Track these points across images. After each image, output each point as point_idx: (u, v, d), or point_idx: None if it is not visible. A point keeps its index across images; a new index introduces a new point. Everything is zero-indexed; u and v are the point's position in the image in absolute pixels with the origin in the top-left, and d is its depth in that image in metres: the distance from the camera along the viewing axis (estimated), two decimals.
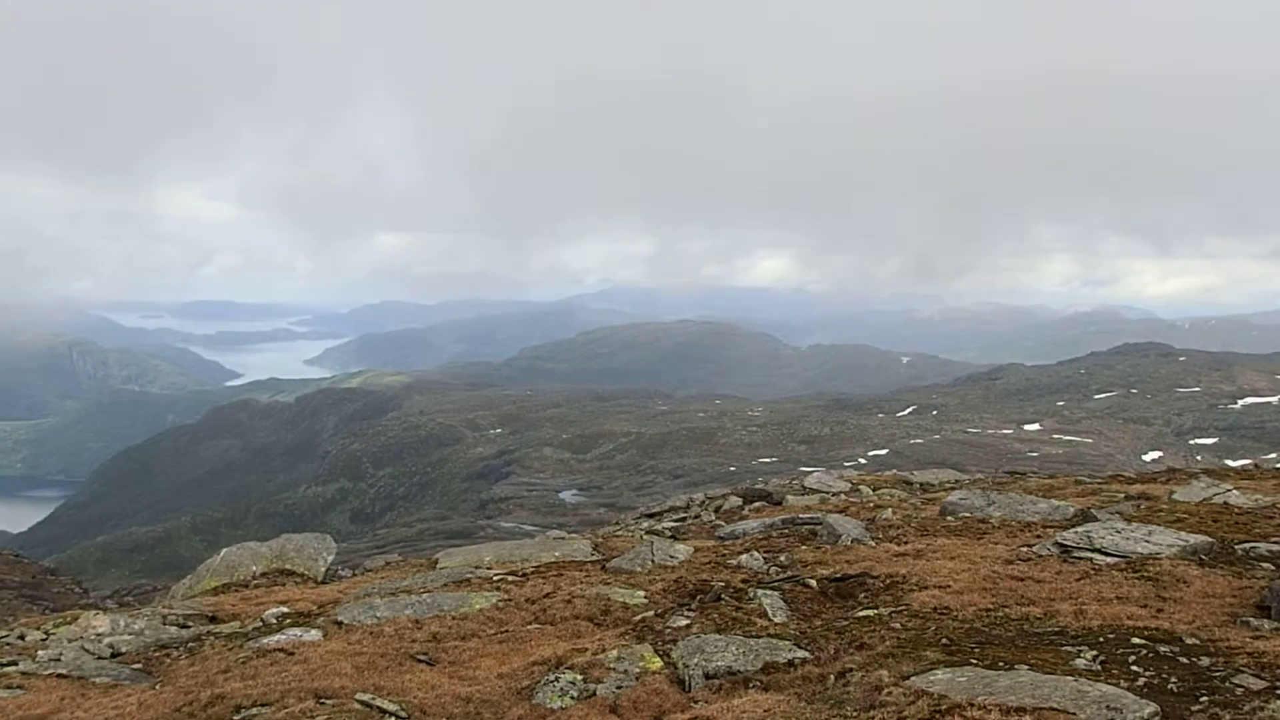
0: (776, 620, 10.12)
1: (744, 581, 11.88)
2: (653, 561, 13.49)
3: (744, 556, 13.14)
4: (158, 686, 10.44)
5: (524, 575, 13.66)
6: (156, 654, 12.14)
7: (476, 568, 15.25)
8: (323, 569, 19.15)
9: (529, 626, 11.09)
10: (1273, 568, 11.00)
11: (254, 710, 8.83)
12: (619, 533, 21.01)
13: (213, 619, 13.81)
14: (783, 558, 13.00)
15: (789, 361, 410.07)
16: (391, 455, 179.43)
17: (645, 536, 17.35)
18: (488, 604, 12.03)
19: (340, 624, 11.93)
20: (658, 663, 9.13)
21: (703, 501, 26.06)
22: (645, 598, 11.80)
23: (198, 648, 12.05)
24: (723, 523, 19.69)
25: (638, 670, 8.96)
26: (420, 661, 10.07)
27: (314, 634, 11.57)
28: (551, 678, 8.95)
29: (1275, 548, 12.17)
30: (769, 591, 11.03)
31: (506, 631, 10.95)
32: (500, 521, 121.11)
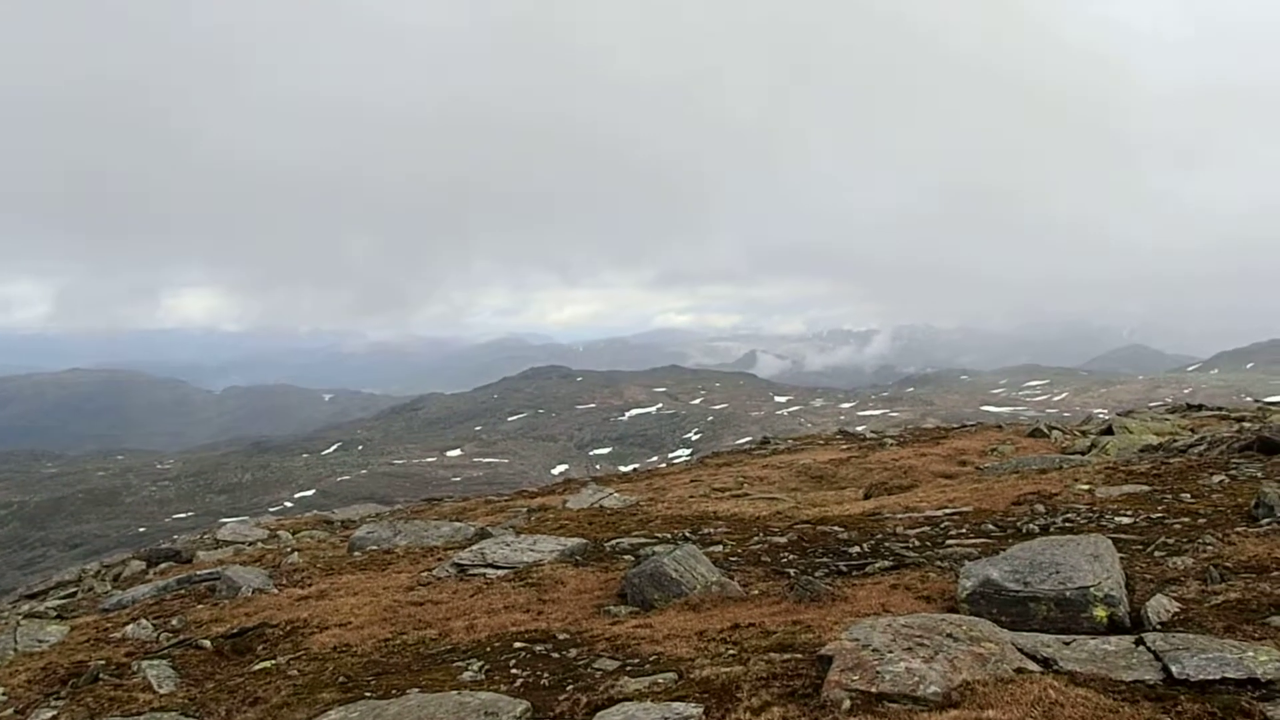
0: (163, 691, 9.28)
1: (129, 655, 10.75)
2: (15, 650, 11.65)
3: (130, 627, 11.90)
4: None
5: None
6: None
7: None
8: None
9: None
10: (632, 558, 12.62)
11: None
12: None
13: None
14: (175, 621, 12.01)
15: (202, 406, 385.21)
16: None
17: (22, 621, 14.99)
18: None
19: None
20: None
21: (98, 571, 23.25)
22: (4, 694, 10.15)
23: None
24: (119, 592, 17.76)
25: None
26: None
27: None
28: None
29: (636, 541, 14.01)
30: (156, 661, 10.10)
31: None
32: None
